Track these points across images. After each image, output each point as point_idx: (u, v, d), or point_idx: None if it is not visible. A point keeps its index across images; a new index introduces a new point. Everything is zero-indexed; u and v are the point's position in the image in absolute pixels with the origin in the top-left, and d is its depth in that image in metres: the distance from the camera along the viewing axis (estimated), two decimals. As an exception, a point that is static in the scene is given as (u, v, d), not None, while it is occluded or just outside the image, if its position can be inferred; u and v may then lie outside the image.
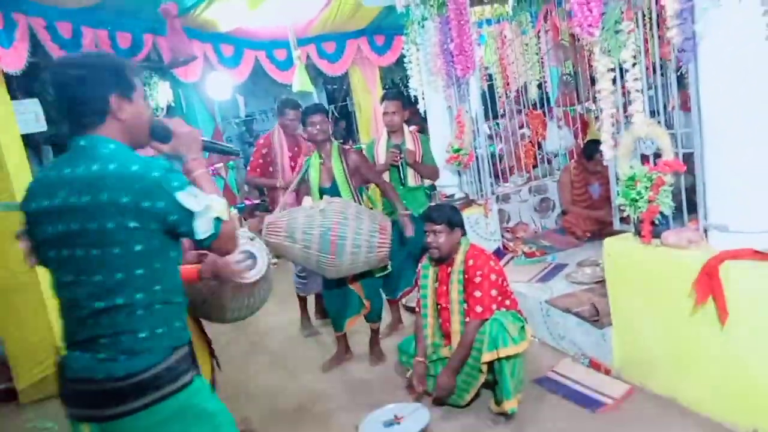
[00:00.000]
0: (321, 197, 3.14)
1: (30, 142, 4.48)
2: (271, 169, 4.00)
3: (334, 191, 3.16)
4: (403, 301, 4.10)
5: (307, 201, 3.18)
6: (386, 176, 3.65)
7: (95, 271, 1.29)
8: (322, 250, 2.85)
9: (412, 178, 3.70)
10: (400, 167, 3.64)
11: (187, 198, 1.29)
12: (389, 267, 3.22)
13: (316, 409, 2.96)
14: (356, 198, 3.20)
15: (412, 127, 4.03)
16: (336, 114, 9.45)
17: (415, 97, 4.32)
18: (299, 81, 5.61)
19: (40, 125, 3.77)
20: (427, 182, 3.90)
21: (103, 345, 1.30)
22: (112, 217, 1.25)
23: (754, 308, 2.10)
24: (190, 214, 1.30)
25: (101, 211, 1.26)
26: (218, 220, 1.33)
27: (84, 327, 1.32)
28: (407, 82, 4.42)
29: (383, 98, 3.80)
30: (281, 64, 6.27)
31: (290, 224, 2.90)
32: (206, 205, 1.32)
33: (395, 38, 6.63)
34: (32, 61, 3.70)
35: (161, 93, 6.52)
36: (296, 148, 4.03)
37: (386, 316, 3.63)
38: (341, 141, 3.39)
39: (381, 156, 3.73)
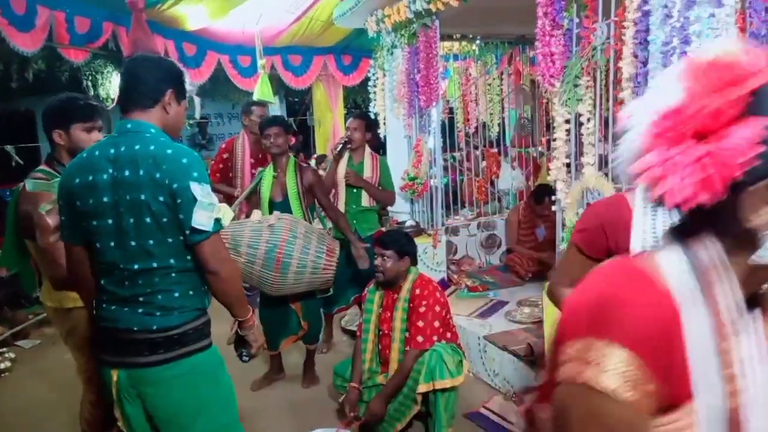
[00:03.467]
0: (271, 211, 3.08)
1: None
2: (231, 175, 3.89)
3: (284, 206, 3.11)
4: (342, 323, 4.05)
5: (256, 214, 3.10)
6: (342, 195, 3.61)
7: (131, 237, 1.45)
8: (266, 267, 2.79)
9: (365, 199, 3.69)
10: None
11: (197, 188, 1.43)
12: (331, 290, 3.18)
13: (242, 429, 2.84)
14: (307, 216, 3.15)
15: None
16: (294, 128, 9.40)
17: (376, 121, 4.35)
18: (261, 90, 5.55)
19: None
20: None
21: (141, 302, 1.48)
22: (146, 190, 1.42)
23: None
24: (193, 202, 1.43)
25: (138, 184, 1.42)
26: (218, 222, 1.46)
27: (123, 286, 1.49)
28: (369, 104, 4.46)
29: (349, 116, 3.92)
30: (244, 70, 6.20)
31: (235, 236, 2.81)
32: (212, 203, 1.45)
33: (363, 60, 6.69)
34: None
35: (114, 84, 6.27)
36: (260, 155, 3.90)
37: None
38: (295, 154, 3.33)
39: (340, 172, 3.69)
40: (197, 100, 8.55)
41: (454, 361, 2.51)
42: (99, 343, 1.57)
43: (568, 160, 2.68)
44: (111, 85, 6.25)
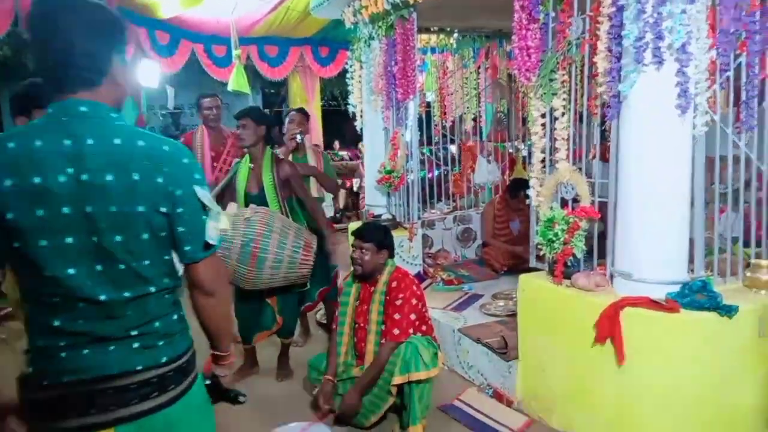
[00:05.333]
0: (246, 204, 3.03)
1: None
2: None
3: (260, 199, 3.06)
4: (318, 317, 4.04)
5: (231, 207, 3.05)
6: None
7: (118, 260, 1.13)
8: (241, 261, 2.75)
9: (314, 189, 3.78)
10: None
11: (202, 194, 1.19)
12: (308, 284, 3.15)
13: (215, 424, 2.81)
14: (284, 210, 3.11)
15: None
16: (271, 119, 9.31)
17: (353, 113, 4.33)
18: (236, 80, 5.47)
19: None
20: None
21: (134, 336, 1.17)
22: (144, 200, 1.12)
23: (644, 354, 2.24)
24: (202, 212, 1.20)
25: (132, 192, 1.11)
26: (222, 237, 1.24)
27: (100, 322, 1.14)
28: (347, 96, 4.43)
29: (289, 110, 4.10)
30: (219, 60, 6.10)
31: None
32: (219, 212, 1.22)
33: (340, 51, 6.64)
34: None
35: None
36: (221, 147, 3.89)
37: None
38: (271, 146, 3.27)
39: None
40: (170, 90, 8.39)
41: (429, 353, 2.52)
42: (61, 406, 1.14)
43: (544, 155, 2.70)
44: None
